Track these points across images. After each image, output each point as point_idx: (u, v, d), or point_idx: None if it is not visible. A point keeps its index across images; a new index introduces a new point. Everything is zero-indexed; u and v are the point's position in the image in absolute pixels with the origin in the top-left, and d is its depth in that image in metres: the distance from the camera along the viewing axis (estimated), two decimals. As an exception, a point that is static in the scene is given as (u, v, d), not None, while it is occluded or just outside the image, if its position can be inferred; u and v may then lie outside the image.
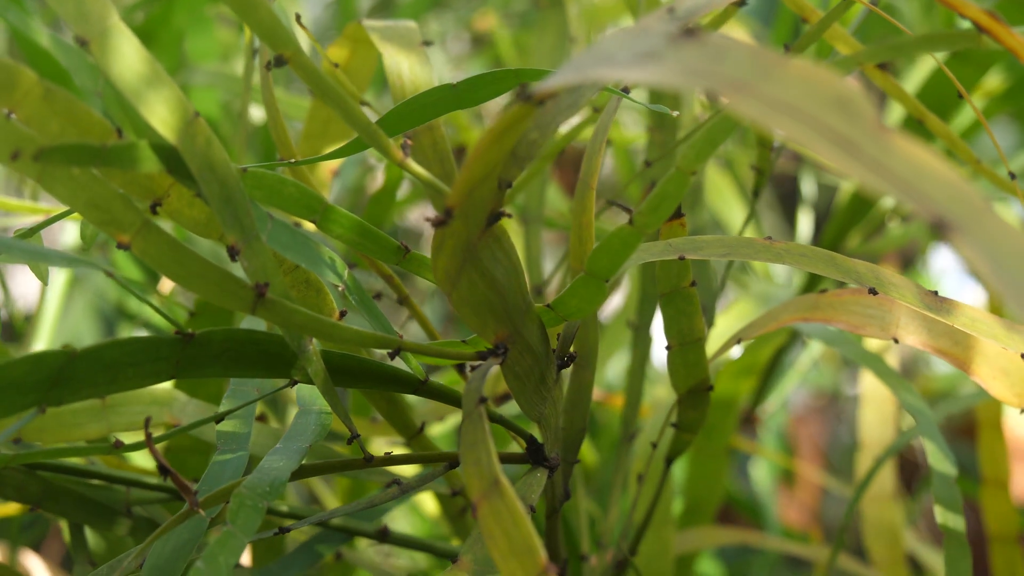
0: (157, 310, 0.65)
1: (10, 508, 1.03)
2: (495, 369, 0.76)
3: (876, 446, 1.19)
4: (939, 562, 1.30)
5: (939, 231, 0.46)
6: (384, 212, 0.91)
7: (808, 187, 1.37)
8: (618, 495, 0.93)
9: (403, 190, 1.18)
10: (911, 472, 1.86)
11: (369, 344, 0.68)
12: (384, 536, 0.86)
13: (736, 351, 1.15)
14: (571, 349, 0.74)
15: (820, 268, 0.73)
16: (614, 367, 1.54)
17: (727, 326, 1.19)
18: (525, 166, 0.65)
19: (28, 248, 0.63)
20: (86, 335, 1.38)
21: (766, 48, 0.50)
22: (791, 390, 1.79)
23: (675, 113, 0.74)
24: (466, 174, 0.60)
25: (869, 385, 1.18)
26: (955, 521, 0.84)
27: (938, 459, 0.86)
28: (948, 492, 0.85)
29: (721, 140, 0.63)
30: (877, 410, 1.18)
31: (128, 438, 0.98)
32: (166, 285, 1.20)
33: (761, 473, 1.54)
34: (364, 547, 1.07)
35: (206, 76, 1.22)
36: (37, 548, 1.32)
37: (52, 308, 1.16)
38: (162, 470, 0.66)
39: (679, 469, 1.30)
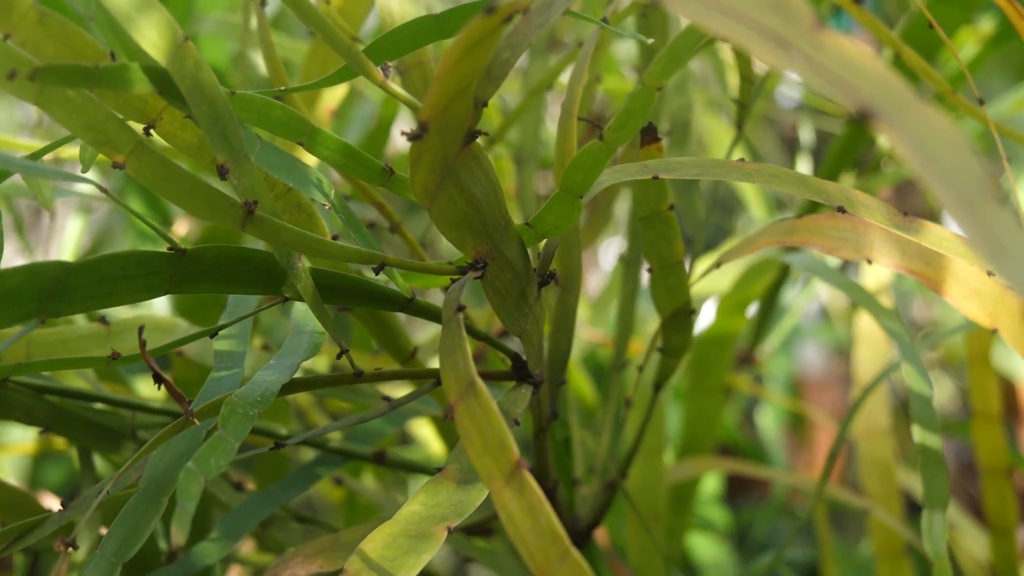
0: (151, 225, 0.68)
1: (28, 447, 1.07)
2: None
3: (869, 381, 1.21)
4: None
5: (865, 120, 0.48)
6: (379, 149, 0.94)
7: (806, 134, 1.40)
8: (608, 423, 0.96)
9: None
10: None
11: (354, 259, 0.71)
12: (381, 459, 0.89)
13: (725, 283, 1.18)
14: (553, 268, 0.77)
15: (790, 187, 0.75)
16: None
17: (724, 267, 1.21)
18: (499, 84, 0.68)
19: (30, 165, 0.66)
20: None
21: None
22: (802, 347, 1.82)
23: (650, 40, 0.77)
24: (437, 87, 0.63)
25: (863, 324, 1.21)
26: (932, 440, 0.86)
27: (916, 381, 0.88)
28: (925, 413, 0.88)
29: (685, 56, 0.65)
30: (871, 348, 1.20)
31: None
32: (180, 229, 1.23)
33: (767, 420, 1.57)
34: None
35: (213, 25, 1.25)
36: None
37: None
38: (156, 378, 0.69)
39: (676, 408, 1.33)
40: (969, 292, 0.83)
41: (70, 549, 0.70)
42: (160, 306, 1.17)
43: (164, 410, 0.87)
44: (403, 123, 1.33)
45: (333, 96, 0.96)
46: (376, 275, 0.73)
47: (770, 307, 1.36)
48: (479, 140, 0.69)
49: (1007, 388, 1.75)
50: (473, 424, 0.64)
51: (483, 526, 1.03)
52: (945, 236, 0.78)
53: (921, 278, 0.83)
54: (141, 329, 0.67)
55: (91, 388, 0.89)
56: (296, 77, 1.02)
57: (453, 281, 0.72)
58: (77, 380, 0.93)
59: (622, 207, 1.22)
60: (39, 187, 0.78)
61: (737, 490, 1.67)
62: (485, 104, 0.68)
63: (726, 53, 1.26)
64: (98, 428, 0.87)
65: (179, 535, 0.62)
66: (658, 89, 0.67)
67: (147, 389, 1.08)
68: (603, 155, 0.68)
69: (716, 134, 1.38)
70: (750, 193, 1.42)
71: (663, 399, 1.07)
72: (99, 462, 0.95)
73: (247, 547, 1.04)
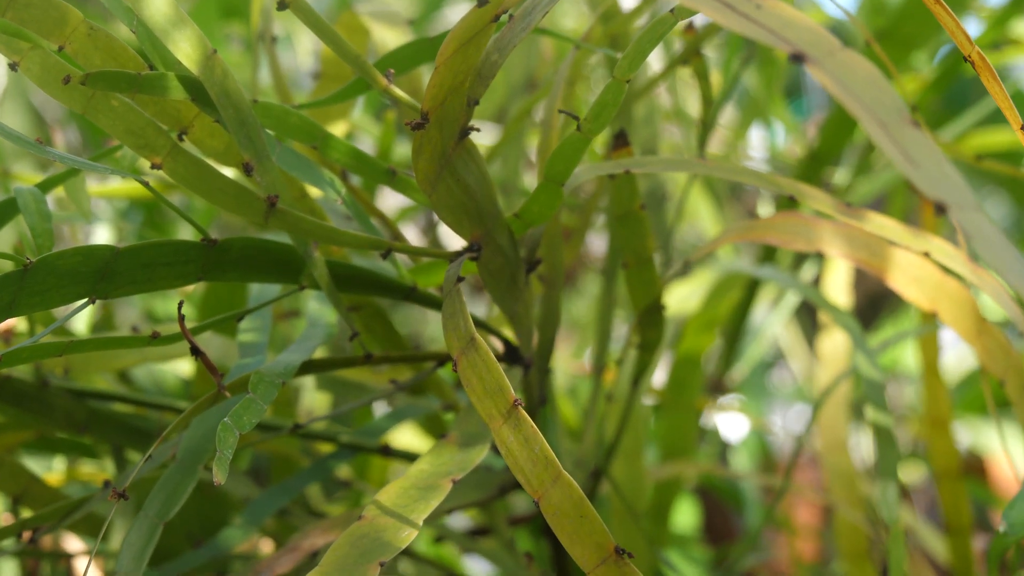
0: (185, 216, 0.78)
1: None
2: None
3: (833, 399, 1.30)
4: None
5: (797, 62, 0.58)
6: (385, 151, 1.03)
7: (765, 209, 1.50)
8: (592, 422, 1.05)
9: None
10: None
11: (364, 245, 0.81)
12: (387, 451, 0.97)
13: (693, 303, 1.28)
14: (537, 256, 0.87)
15: (745, 178, 0.85)
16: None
17: (688, 291, 1.31)
18: (488, 84, 0.78)
19: (75, 159, 0.76)
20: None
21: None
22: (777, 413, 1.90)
23: (618, 55, 0.86)
24: (436, 79, 0.73)
25: (827, 348, 1.30)
26: (883, 419, 0.96)
27: (868, 368, 0.98)
28: (877, 396, 0.97)
29: (649, 49, 0.75)
30: (832, 368, 1.30)
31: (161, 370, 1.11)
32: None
33: (741, 460, 1.66)
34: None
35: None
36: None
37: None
38: (194, 351, 0.78)
39: (654, 427, 1.42)
40: (911, 279, 0.93)
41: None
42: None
43: (190, 411, 0.96)
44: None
45: (335, 131, 1.06)
46: (384, 259, 0.82)
47: (736, 332, 1.45)
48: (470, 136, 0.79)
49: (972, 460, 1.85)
50: (474, 373, 0.73)
51: (482, 529, 1.12)
52: (885, 223, 0.87)
53: (867, 267, 0.92)
54: (180, 304, 0.76)
55: (123, 392, 0.98)
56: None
57: (451, 261, 0.82)
58: (110, 386, 1.02)
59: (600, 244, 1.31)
60: (79, 198, 0.87)
61: (713, 537, 1.74)
62: (477, 103, 0.78)
63: (687, 88, 1.37)
64: (130, 428, 0.95)
65: (219, 475, 0.71)
66: (627, 82, 0.76)
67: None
68: (581, 144, 0.78)
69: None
70: (706, 215, 1.52)
71: (644, 414, 1.16)
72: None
73: (267, 547, 1.12)
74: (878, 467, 0.93)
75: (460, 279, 0.77)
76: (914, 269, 0.93)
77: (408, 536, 0.74)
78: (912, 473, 1.90)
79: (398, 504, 0.76)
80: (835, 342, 1.30)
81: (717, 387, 1.49)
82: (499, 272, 0.83)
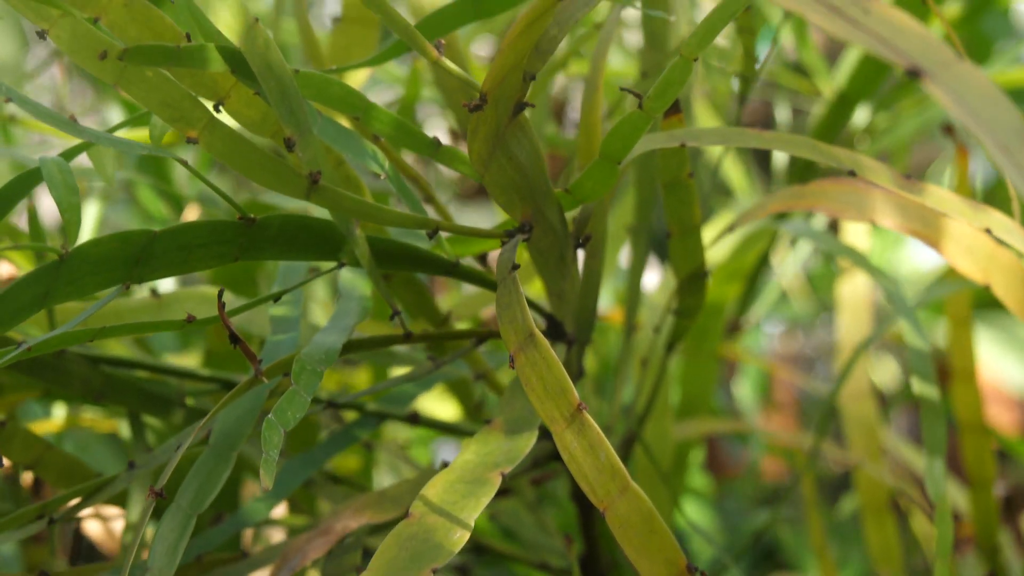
0: (222, 194, 0.74)
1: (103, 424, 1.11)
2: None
3: (851, 347, 1.28)
4: (914, 456, 1.39)
5: (914, 77, 0.54)
6: (411, 101, 0.99)
7: (783, 113, 1.46)
8: (623, 384, 1.02)
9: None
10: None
11: (410, 225, 0.77)
12: (415, 419, 0.94)
13: (721, 253, 1.24)
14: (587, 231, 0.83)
15: (804, 152, 0.81)
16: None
17: (713, 235, 1.27)
18: (546, 59, 0.74)
19: (111, 137, 0.71)
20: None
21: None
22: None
23: (672, 18, 0.83)
24: (499, 61, 0.69)
25: (846, 292, 1.27)
26: (930, 391, 0.93)
27: (913, 336, 0.95)
28: (922, 365, 0.94)
29: (719, 28, 0.71)
30: (853, 315, 1.27)
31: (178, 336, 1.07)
32: (190, 216, 1.28)
33: (744, 391, 1.63)
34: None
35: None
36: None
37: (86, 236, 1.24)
38: (232, 339, 0.74)
39: (674, 373, 1.39)
40: (963, 250, 0.89)
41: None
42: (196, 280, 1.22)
43: (211, 377, 0.92)
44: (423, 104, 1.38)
45: (355, 80, 1.01)
46: (430, 240, 0.78)
47: (757, 277, 1.42)
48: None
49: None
50: (534, 372, 0.70)
51: (502, 489, 1.08)
52: (945, 197, 0.84)
53: (920, 237, 0.89)
54: (221, 291, 0.72)
55: (141, 358, 0.94)
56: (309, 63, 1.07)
57: (503, 243, 0.78)
58: (126, 350, 0.98)
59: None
60: (103, 164, 0.83)
61: (714, 468, 1.73)
62: (534, 78, 0.74)
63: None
64: (148, 395, 0.91)
65: (267, 479, 0.68)
66: (695, 60, 0.72)
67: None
68: (642, 123, 0.74)
69: (703, 115, 1.45)
70: (736, 178, 1.49)
71: (670, 368, 1.13)
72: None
73: (279, 510, 1.09)
74: (926, 442, 0.90)
75: (515, 267, 0.73)
76: (967, 240, 0.90)
77: (460, 538, 0.70)
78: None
79: (446, 501, 0.73)
80: (856, 286, 1.27)
81: (734, 328, 1.47)
82: (548, 250, 0.79)
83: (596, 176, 0.77)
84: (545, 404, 0.69)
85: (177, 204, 1.30)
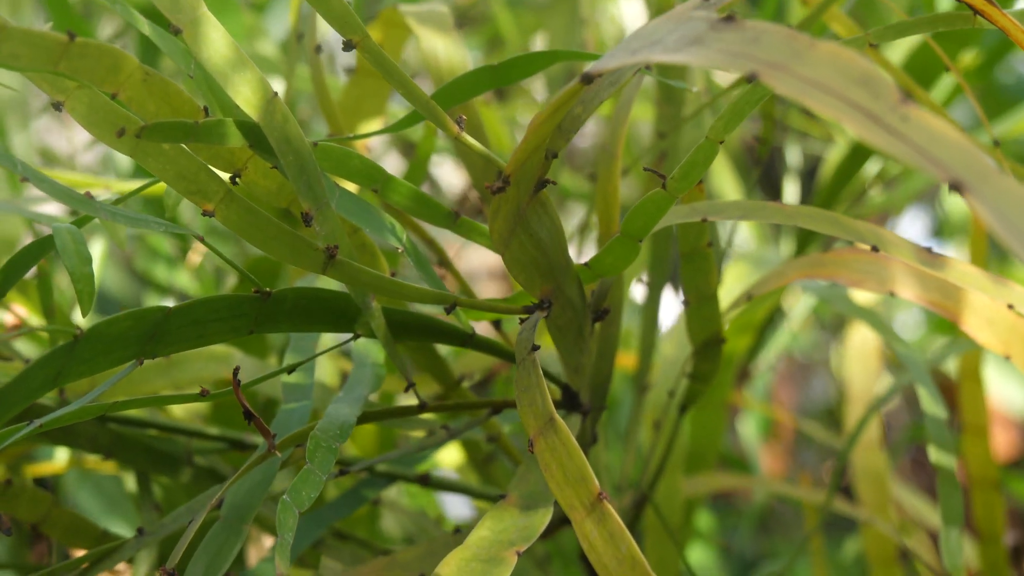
0: (241, 272, 0.72)
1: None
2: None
3: (861, 398, 1.27)
4: (920, 505, 1.38)
5: (956, 191, 0.53)
6: (417, 182, 0.98)
7: (793, 156, 1.45)
8: (634, 443, 1.01)
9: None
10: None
11: (428, 300, 0.75)
12: (426, 481, 0.93)
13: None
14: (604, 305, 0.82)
15: (826, 228, 0.80)
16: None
17: (727, 286, 1.26)
18: (570, 139, 0.73)
19: (131, 215, 0.70)
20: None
21: (797, 32, 0.58)
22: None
23: (695, 88, 0.82)
24: (524, 144, 0.68)
25: (855, 342, 1.26)
26: (947, 460, 0.92)
27: (930, 403, 0.94)
28: (940, 433, 0.93)
29: (747, 112, 0.70)
30: (862, 365, 1.26)
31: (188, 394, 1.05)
32: (194, 258, 1.27)
33: (748, 430, 1.62)
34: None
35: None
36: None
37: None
38: (247, 415, 0.73)
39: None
40: (984, 322, 0.88)
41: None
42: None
43: (219, 436, 0.91)
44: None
45: (370, 127, 1.00)
46: (448, 314, 0.77)
47: (767, 327, 1.42)
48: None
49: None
50: (554, 458, 0.69)
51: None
52: (966, 271, 0.83)
53: (940, 309, 0.88)
54: (237, 370, 0.71)
55: (146, 415, 0.92)
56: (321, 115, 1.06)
57: (522, 321, 0.76)
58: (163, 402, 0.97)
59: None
60: (115, 228, 0.82)
61: (719, 493, 1.72)
62: (556, 155, 0.73)
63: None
64: (157, 453, 0.90)
65: (282, 565, 0.67)
66: (720, 143, 0.71)
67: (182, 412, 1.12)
68: (665, 203, 0.73)
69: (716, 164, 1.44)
70: (751, 231, 1.48)
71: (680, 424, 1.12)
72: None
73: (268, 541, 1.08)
74: (942, 512, 0.89)
75: (535, 347, 0.72)
76: (987, 312, 0.89)
77: (475, 622, 0.70)
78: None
79: (461, 580, 0.72)
80: (864, 336, 1.26)
81: (744, 376, 1.46)
82: (567, 326, 0.78)
83: (617, 252, 0.76)
84: (564, 491, 0.68)
85: (183, 240, 1.29)
